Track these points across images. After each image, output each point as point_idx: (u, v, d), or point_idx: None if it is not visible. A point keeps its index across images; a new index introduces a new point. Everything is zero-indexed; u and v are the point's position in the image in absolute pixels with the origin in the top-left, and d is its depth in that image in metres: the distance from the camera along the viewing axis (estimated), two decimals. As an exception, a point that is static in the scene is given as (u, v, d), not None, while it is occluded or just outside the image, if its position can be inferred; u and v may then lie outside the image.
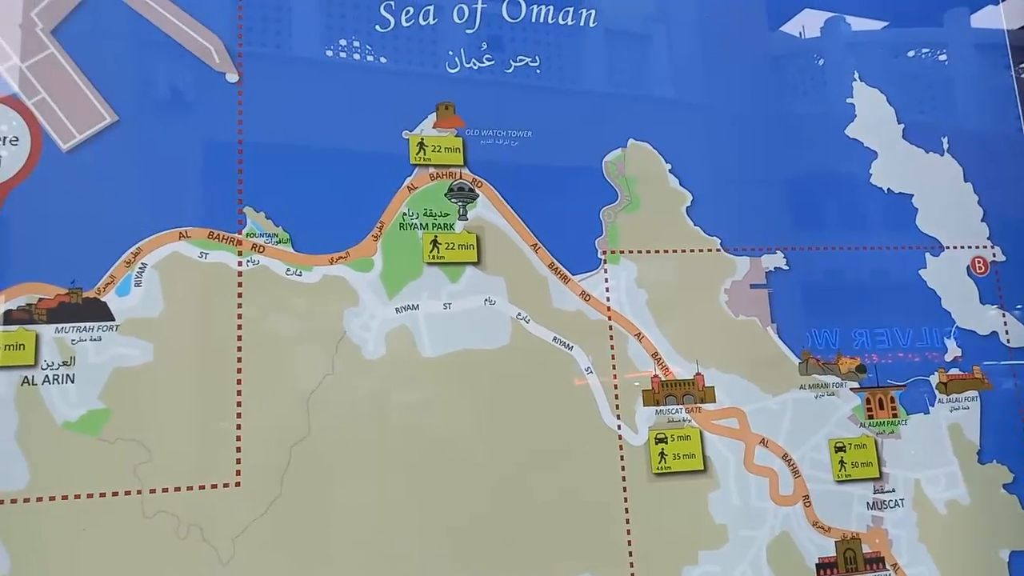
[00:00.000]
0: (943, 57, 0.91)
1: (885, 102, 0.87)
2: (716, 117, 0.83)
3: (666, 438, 0.73)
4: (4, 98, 0.68)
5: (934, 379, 0.81)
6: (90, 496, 0.61)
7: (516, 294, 0.73)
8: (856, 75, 0.87)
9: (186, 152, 0.69)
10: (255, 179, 0.70)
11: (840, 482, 0.76)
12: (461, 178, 0.75)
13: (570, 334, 0.73)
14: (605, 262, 0.76)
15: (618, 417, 0.73)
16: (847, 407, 0.78)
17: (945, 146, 0.88)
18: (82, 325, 0.64)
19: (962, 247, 0.86)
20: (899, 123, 0.87)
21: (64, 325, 0.64)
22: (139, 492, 0.62)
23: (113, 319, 0.65)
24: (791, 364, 0.78)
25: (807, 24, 0.87)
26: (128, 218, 0.67)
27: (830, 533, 0.75)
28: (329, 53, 0.75)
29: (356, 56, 0.76)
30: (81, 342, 0.64)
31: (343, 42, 0.76)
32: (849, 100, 0.86)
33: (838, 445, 0.76)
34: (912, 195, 0.86)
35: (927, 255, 0.84)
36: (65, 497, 0.61)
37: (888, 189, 0.85)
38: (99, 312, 0.65)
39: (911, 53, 0.90)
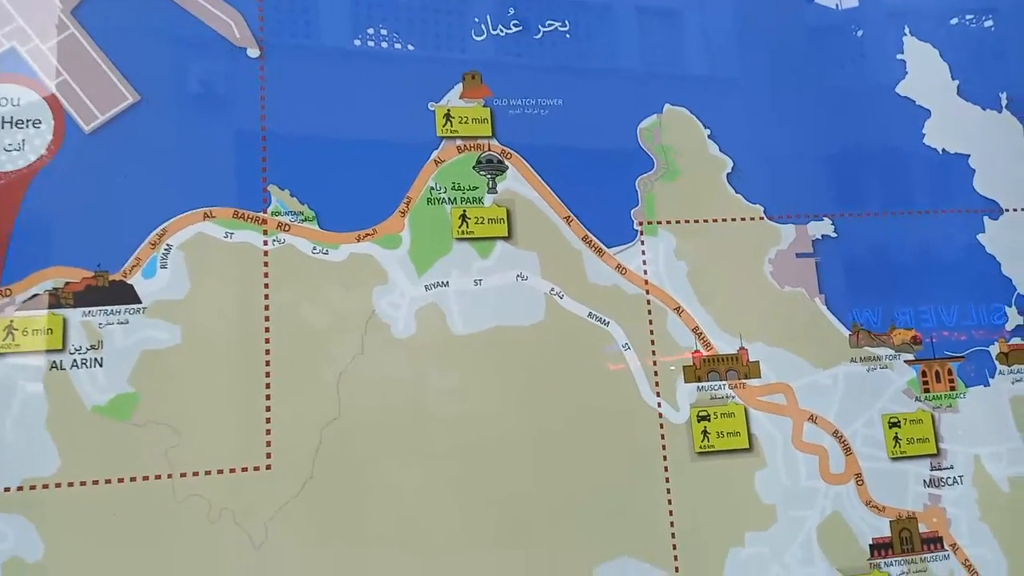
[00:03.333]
0: (989, 24, 0.85)
1: (938, 57, 0.82)
2: (756, 77, 0.79)
3: (709, 416, 0.69)
4: (26, 80, 0.67)
5: (994, 349, 0.76)
6: (121, 481, 0.61)
7: (549, 269, 0.71)
8: (907, 29, 0.82)
9: (209, 130, 0.68)
10: (279, 156, 0.68)
11: (895, 459, 0.72)
12: (489, 150, 0.72)
13: (606, 309, 0.71)
14: (642, 234, 0.73)
15: (658, 395, 0.70)
16: (901, 380, 0.74)
17: (1003, 102, 0.83)
18: (109, 308, 0.63)
19: (1023, 210, 0.80)
20: (953, 79, 0.82)
21: (91, 309, 0.63)
22: (170, 476, 0.61)
23: (140, 302, 0.64)
24: (841, 336, 0.74)
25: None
26: (152, 199, 0.65)
27: (884, 512, 0.71)
28: (351, 27, 0.73)
29: (376, 29, 0.73)
30: (108, 326, 0.63)
31: (362, 16, 0.73)
32: (899, 56, 0.82)
33: (892, 420, 0.72)
34: (968, 156, 0.81)
35: (985, 219, 0.79)
36: (96, 482, 0.60)
37: (943, 150, 0.80)
38: (126, 295, 0.64)
39: (954, 21, 0.84)
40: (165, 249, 0.65)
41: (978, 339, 0.76)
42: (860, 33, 0.82)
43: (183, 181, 0.66)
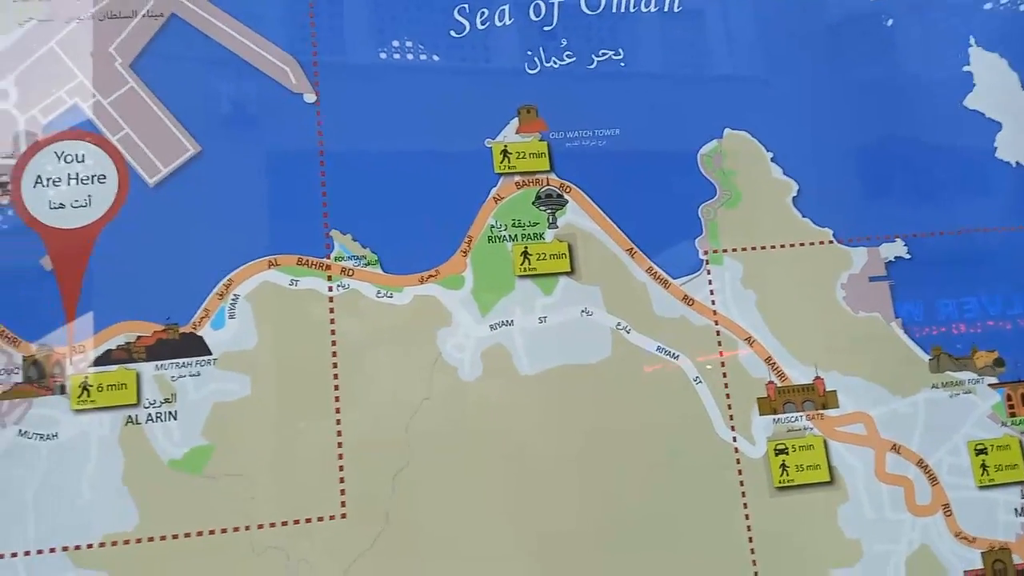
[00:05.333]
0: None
1: (1007, 67, 0.79)
2: (819, 96, 0.77)
3: (787, 449, 0.67)
4: (89, 135, 0.68)
5: (1081, 369, 0.73)
6: (200, 534, 0.61)
7: (614, 303, 0.69)
8: (972, 40, 0.80)
9: (270, 178, 0.68)
10: (339, 201, 0.68)
11: (983, 487, 0.69)
12: (548, 184, 0.71)
13: (675, 342, 0.69)
14: (707, 263, 0.71)
15: (733, 429, 0.68)
16: (986, 405, 0.71)
17: (1078, 110, 0.79)
18: (181, 361, 0.63)
19: (1105, 220, 0.77)
20: (1024, 89, 0.79)
21: (163, 362, 0.63)
22: (247, 528, 0.61)
23: (210, 353, 0.64)
24: (920, 361, 0.71)
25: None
26: (217, 249, 0.66)
27: (975, 544, 0.68)
28: (400, 58, 0.72)
29: (432, 63, 0.73)
30: (181, 378, 0.63)
31: (413, 45, 0.73)
32: (966, 68, 0.79)
33: (979, 447, 0.70)
34: (1044, 168, 0.78)
35: (1066, 232, 0.76)
36: (176, 536, 0.60)
37: (1016, 163, 0.77)
38: (196, 347, 0.64)
39: (988, 5, 0.81)
40: (232, 299, 0.65)
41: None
42: (927, 47, 0.80)
43: (246, 230, 0.67)
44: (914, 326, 0.72)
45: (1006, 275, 0.75)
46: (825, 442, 0.68)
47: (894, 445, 0.69)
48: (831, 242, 0.73)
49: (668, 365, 0.68)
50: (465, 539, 0.63)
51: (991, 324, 0.73)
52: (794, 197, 0.73)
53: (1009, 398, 0.71)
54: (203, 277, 0.65)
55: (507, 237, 0.70)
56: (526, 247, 0.69)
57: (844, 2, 0.80)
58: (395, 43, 0.73)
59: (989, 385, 0.72)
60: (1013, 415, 0.71)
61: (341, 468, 0.63)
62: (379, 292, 0.67)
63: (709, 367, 0.69)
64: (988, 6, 0.80)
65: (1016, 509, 0.69)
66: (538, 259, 0.69)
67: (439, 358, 0.66)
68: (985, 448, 0.70)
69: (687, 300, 0.70)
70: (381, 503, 0.63)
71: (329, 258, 0.67)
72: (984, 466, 0.69)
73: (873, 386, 0.70)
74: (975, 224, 0.75)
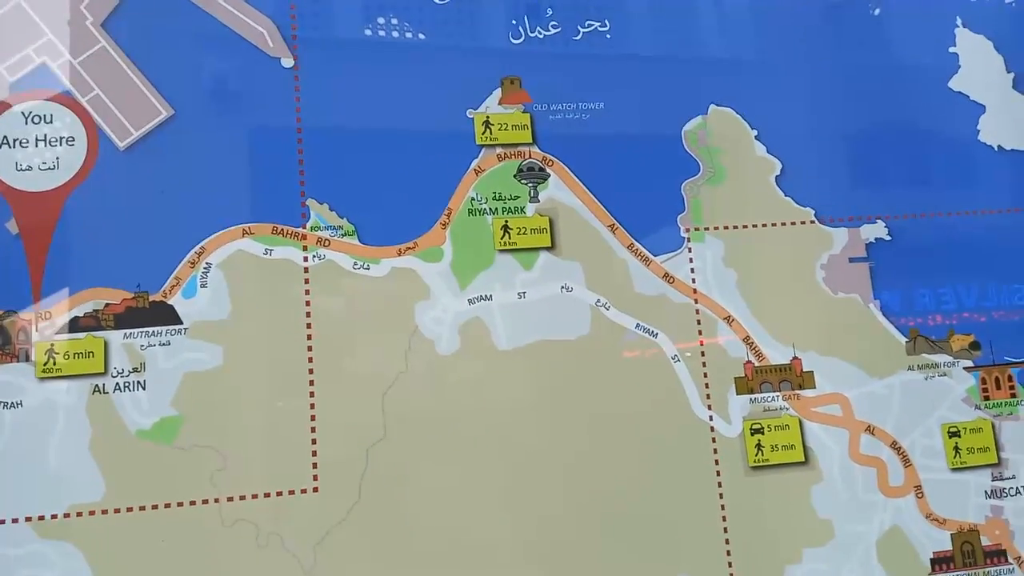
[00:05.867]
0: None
1: (992, 49, 0.79)
2: (805, 75, 0.76)
3: (762, 428, 0.67)
4: (57, 96, 0.65)
5: (1055, 354, 0.74)
6: (168, 506, 0.60)
7: (594, 279, 0.69)
8: (959, 21, 0.79)
9: (245, 144, 0.66)
10: (317, 169, 0.67)
11: (955, 470, 0.70)
12: (530, 157, 0.70)
13: (654, 320, 0.68)
14: (689, 240, 0.71)
15: (709, 408, 0.68)
16: (960, 388, 0.71)
17: (1062, 95, 0.80)
18: (150, 330, 0.62)
19: (1085, 207, 0.77)
20: (1008, 72, 0.79)
21: (132, 331, 0.62)
22: (216, 500, 0.60)
23: (181, 322, 0.62)
24: (897, 343, 0.71)
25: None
26: (190, 216, 0.64)
27: (945, 525, 0.69)
28: (383, 33, 0.71)
29: (414, 34, 0.71)
30: (150, 347, 0.62)
31: (397, 20, 0.71)
32: (952, 49, 0.79)
33: (952, 430, 0.70)
34: (1026, 152, 0.78)
35: (1047, 218, 0.77)
36: (143, 508, 0.59)
37: (998, 146, 0.77)
38: (167, 316, 0.62)
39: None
40: (205, 268, 0.63)
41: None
42: (913, 27, 0.79)
43: (220, 197, 0.65)
44: (891, 316, 0.72)
45: (983, 264, 0.75)
46: (801, 422, 0.68)
47: (869, 426, 0.69)
48: (812, 222, 0.73)
49: (647, 345, 0.68)
50: (438, 514, 0.63)
51: (967, 316, 0.73)
52: (777, 176, 0.73)
53: (983, 382, 0.72)
54: (174, 244, 0.64)
55: (487, 210, 0.69)
56: (506, 221, 0.68)
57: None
58: (380, 20, 0.71)
59: (964, 368, 0.72)
60: (987, 398, 0.72)
61: (314, 441, 0.62)
62: (356, 263, 0.66)
63: (688, 355, 0.68)
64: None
65: (986, 491, 0.70)
66: (518, 233, 0.68)
67: (416, 331, 0.65)
68: (958, 431, 0.70)
69: (667, 278, 0.70)
70: (354, 477, 0.62)
71: (305, 228, 0.65)
72: (957, 448, 0.70)
73: (850, 367, 0.70)
74: (956, 207, 0.75)
